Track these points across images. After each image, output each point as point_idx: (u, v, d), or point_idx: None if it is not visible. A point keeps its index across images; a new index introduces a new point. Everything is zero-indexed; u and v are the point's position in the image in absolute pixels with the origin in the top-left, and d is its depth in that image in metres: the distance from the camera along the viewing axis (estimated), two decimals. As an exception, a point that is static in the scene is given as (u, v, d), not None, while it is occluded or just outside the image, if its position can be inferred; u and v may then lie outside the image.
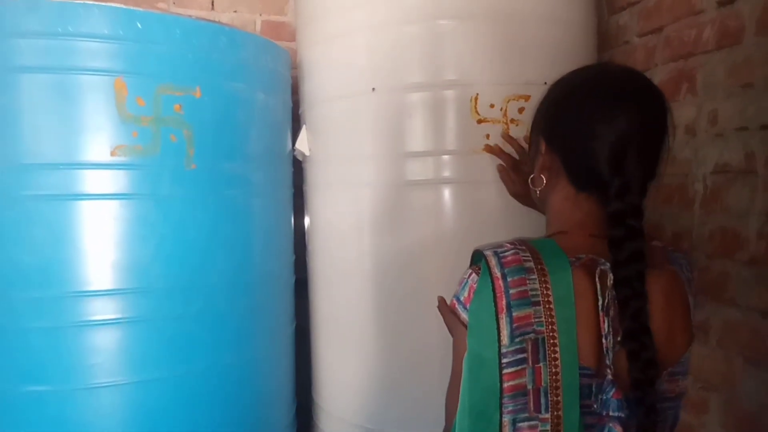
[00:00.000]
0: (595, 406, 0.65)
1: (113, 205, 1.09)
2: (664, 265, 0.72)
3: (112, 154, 1.07)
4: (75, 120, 1.06)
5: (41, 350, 1.09)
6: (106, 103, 1.06)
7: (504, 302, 0.64)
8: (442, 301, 1.01)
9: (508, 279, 0.65)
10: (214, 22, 1.78)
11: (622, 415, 0.64)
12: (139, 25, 1.07)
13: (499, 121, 1.29)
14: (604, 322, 0.65)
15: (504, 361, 0.63)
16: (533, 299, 0.64)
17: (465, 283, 0.72)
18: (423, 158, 1.33)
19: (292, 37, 1.93)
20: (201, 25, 1.17)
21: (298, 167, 1.59)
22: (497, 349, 0.64)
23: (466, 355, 0.67)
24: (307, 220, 1.63)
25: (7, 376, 1.07)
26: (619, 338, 0.66)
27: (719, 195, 1.25)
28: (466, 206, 1.32)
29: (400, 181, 1.35)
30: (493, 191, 1.30)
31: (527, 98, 1.29)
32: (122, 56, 1.07)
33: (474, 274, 0.70)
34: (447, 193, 1.33)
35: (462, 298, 0.71)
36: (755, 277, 1.15)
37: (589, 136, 0.70)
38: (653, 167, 0.71)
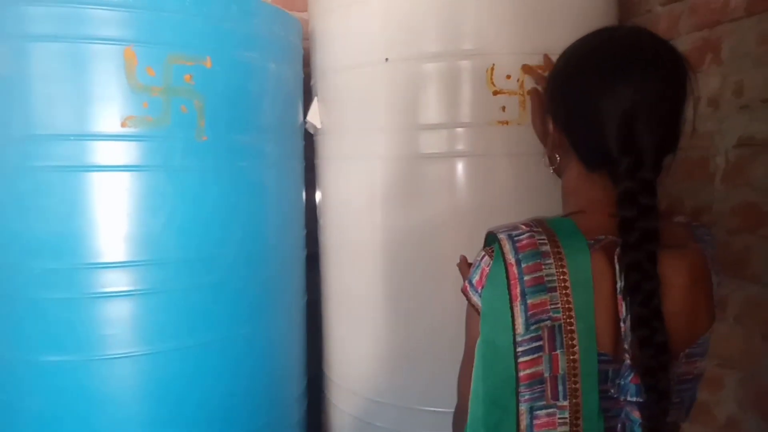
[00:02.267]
0: (612, 390, 0.63)
1: (124, 176, 1.08)
2: (687, 243, 0.69)
3: (123, 125, 1.06)
4: (85, 90, 1.04)
5: (56, 321, 1.09)
6: (116, 72, 1.04)
7: (518, 290, 0.62)
8: (463, 260, 0.98)
9: (523, 265, 0.62)
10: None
11: (641, 400, 0.62)
12: (148, -8, 1.04)
13: (515, 93, 1.26)
14: (622, 305, 0.62)
15: (519, 349, 0.61)
16: (549, 285, 0.62)
17: (477, 266, 0.69)
18: (437, 131, 1.30)
19: (305, 7, 1.89)
20: (211, -8, 1.14)
21: (308, 140, 1.57)
22: (512, 338, 0.62)
23: (478, 342, 0.65)
24: (318, 194, 1.62)
25: (22, 345, 1.09)
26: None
27: (743, 169, 1.21)
28: (480, 180, 1.30)
29: (413, 154, 1.33)
30: (507, 165, 1.28)
31: (544, 69, 1.25)
32: (132, 25, 1.05)
33: (487, 257, 0.67)
34: (461, 167, 1.30)
35: (474, 281, 0.68)
36: (779, 254, 1.12)
37: (592, 111, 0.65)
38: (669, 140, 0.66)
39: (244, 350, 1.26)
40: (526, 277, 0.62)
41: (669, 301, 0.62)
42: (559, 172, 0.76)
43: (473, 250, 1.24)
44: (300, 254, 1.50)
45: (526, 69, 1.22)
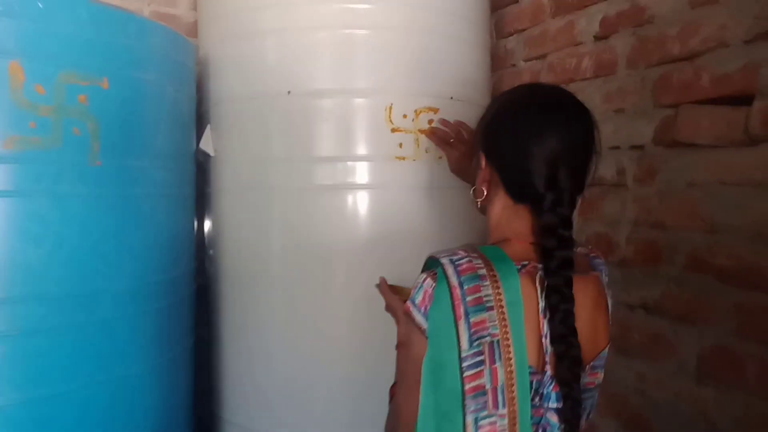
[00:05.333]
0: (536, 399, 0.71)
1: (3, 201, 0.96)
2: (588, 271, 0.81)
3: (5, 145, 0.95)
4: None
5: None
6: (-2, 88, 0.94)
7: (462, 309, 0.68)
8: (383, 281, 1.04)
9: (465, 287, 0.69)
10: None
11: (560, 406, 0.71)
12: (39, 4, 0.96)
13: (411, 131, 1.35)
14: (543, 323, 0.72)
15: (464, 364, 0.67)
16: (487, 305, 0.68)
17: (419, 288, 0.73)
18: (334, 163, 1.34)
19: (187, 31, 1.84)
20: (109, 9, 1.08)
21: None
22: (458, 354, 0.67)
23: (425, 359, 0.69)
24: (207, 224, 1.56)
25: None
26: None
27: (595, 205, 1.43)
28: (377, 211, 1.36)
29: (309, 186, 1.35)
30: (404, 197, 1.36)
31: (436, 111, 1.37)
32: (19, 37, 0.95)
33: (429, 279, 0.73)
34: (359, 198, 1.36)
35: (417, 302, 0.73)
36: (624, 276, 1.33)
37: (524, 154, 0.75)
38: (582, 181, 0.78)
39: (131, 390, 1.16)
40: (468, 298, 0.68)
41: (578, 320, 0.73)
42: (485, 203, 0.84)
43: (370, 277, 1.30)
44: (191, 287, 1.43)
45: (429, 132, 1.35)
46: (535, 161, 0.74)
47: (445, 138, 1.31)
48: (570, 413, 0.72)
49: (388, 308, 1.07)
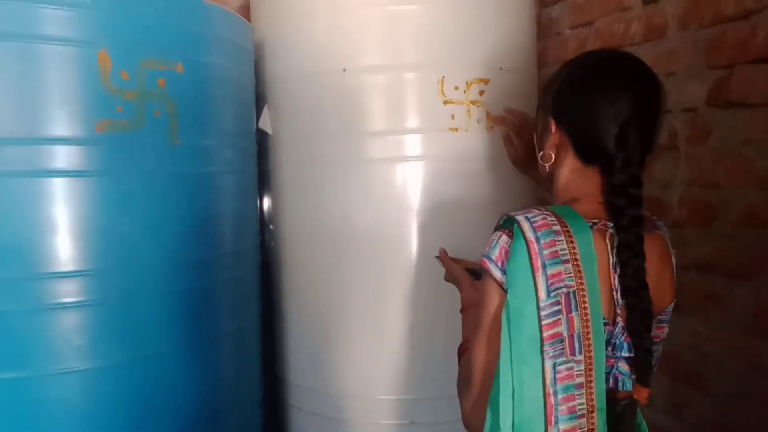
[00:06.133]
0: (608, 349, 0.76)
1: (94, 181, 1.05)
2: (653, 230, 0.84)
3: (98, 129, 1.03)
4: (54, 93, 1.00)
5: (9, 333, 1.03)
6: (88, 75, 1.01)
7: (539, 262, 0.72)
8: (443, 252, 1.09)
9: (541, 241, 0.73)
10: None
11: (631, 356, 0.76)
12: (122, -4, 1.03)
13: (463, 103, 1.39)
14: (614, 278, 0.76)
15: (542, 313, 0.72)
16: (563, 258, 0.73)
17: (495, 244, 0.78)
18: (386, 137, 1.39)
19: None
20: (180, -2, 1.15)
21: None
22: (536, 304, 0.72)
23: (505, 309, 0.74)
24: (266, 201, 1.64)
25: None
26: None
27: (646, 168, 1.44)
28: (431, 181, 1.41)
29: (364, 159, 1.40)
30: (457, 168, 1.41)
31: (487, 81, 1.41)
32: (106, 28, 1.03)
33: (505, 236, 0.77)
34: (413, 170, 1.41)
35: (494, 257, 0.78)
36: (678, 238, 1.36)
37: (595, 116, 0.79)
38: (651, 143, 0.81)
39: (218, 353, 1.26)
40: (544, 252, 0.73)
41: (647, 275, 0.76)
42: (553, 167, 0.88)
43: (425, 246, 1.36)
44: (257, 259, 1.51)
45: (497, 119, 1.34)
46: (606, 122, 0.78)
47: (512, 124, 1.31)
48: (641, 362, 0.76)
49: (450, 277, 1.13)
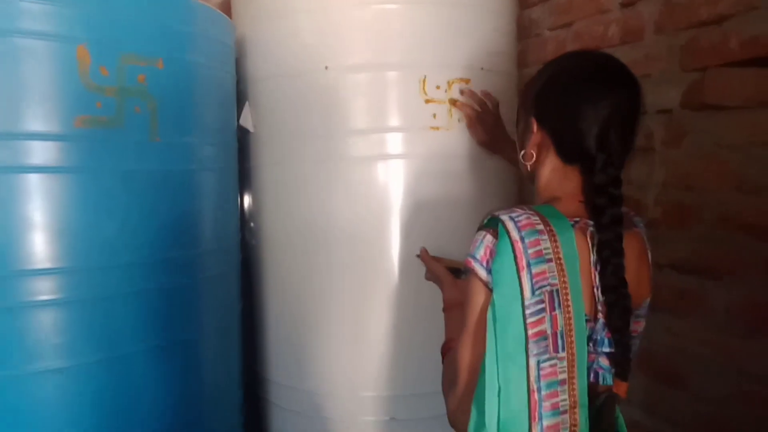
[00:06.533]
0: (589, 345, 0.78)
1: (73, 178, 1.03)
2: (631, 227, 0.86)
3: (76, 125, 1.01)
4: (31, 88, 0.98)
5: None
6: (66, 71, 1.00)
7: (524, 261, 0.73)
8: (424, 251, 1.11)
9: (526, 240, 0.74)
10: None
11: (612, 351, 0.78)
12: (101, -9, 1.02)
13: (444, 102, 1.40)
14: (595, 275, 0.78)
15: (527, 311, 0.73)
16: (546, 257, 0.74)
17: (480, 244, 0.79)
18: (369, 135, 1.40)
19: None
20: (161, -6, 1.13)
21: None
22: (521, 302, 0.73)
23: (491, 308, 0.75)
24: (247, 199, 1.63)
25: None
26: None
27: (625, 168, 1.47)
28: (413, 180, 1.42)
29: (345, 157, 1.41)
30: (439, 166, 1.42)
31: (468, 81, 1.42)
32: (85, 22, 1.01)
33: (489, 236, 0.78)
34: (394, 168, 1.41)
35: (479, 256, 0.78)
36: (654, 238, 1.38)
37: (577, 116, 0.81)
38: (631, 144, 0.83)
39: (196, 353, 1.25)
40: (529, 251, 0.74)
41: (625, 272, 0.78)
42: (534, 167, 0.90)
43: (405, 243, 1.37)
44: (238, 257, 1.50)
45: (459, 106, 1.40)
46: (588, 123, 0.80)
47: (471, 109, 1.37)
48: (621, 357, 0.79)
49: (431, 276, 1.13)
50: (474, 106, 1.39)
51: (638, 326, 0.88)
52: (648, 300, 0.89)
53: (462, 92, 1.40)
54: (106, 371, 1.10)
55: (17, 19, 0.97)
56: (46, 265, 1.03)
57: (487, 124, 1.36)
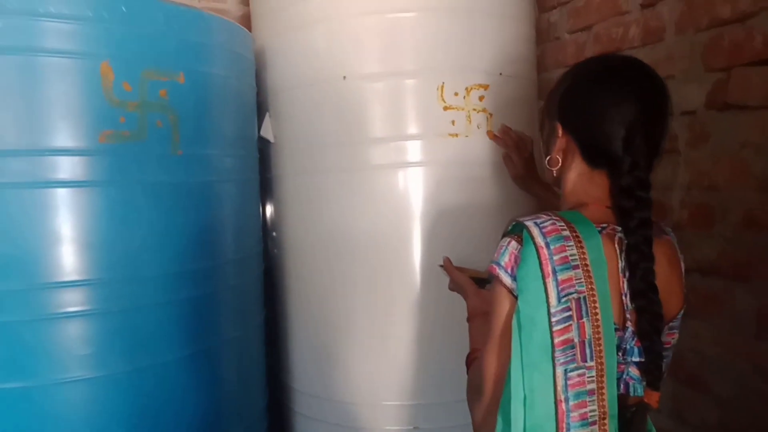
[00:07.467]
0: (618, 355, 0.75)
1: (97, 191, 1.06)
2: (661, 235, 0.84)
3: (100, 140, 1.04)
4: (56, 105, 1.01)
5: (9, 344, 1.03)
6: (91, 87, 1.02)
7: (550, 268, 0.72)
8: (447, 260, 1.09)
9: (551, 247, 0.73)
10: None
11: (642, 360, 0.76)
12: (123, 9, 1.04)
13: (462, 108, 1.40)
14: (623, 282, 0.76)
15: (553, 319, 0.71)
16: (573, 263, 0.72)
17: (504, 250, 0.78)
18: (387, 143, 1.40)
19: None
20: (181, 9, 1.16)
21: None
22: (547, 310, 0.71)
23: (516, 315, 0.74)
24: (269, 209, 1.65)
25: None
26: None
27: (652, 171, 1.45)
28: (433, 187, 1.41)
29: (365, 166, 1.41)
30: (458, 173, 1.41)
31: (486, 87, 1.41)
32: (107, 39, 1.04)
33: (514, 242, 0.77)
34: (414, 176, 1.41)
35: (503, 263, 0.77)
36: (680, 241, 1.36)
37: (603, 120, 0.80)
38: (658, 146, 0.81)
39: (220, 362, 1.27)
40: (555, 257, 0.72)
41: (656, 279, 0.76)
42: (560, 172, 0.88)
43: (427, 251, 1.36)
44: (260, 266, 1.52)
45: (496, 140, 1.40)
46: (614, 126, 0.78)
47: (511, 144, 1.35)
48: (652, 366, 0.76)
49: (454, 286, 1.12)
50: (511, 139, 1.37)
51: (671, 338, 0.85)
52: (681, 312, 0.85)
53: (501, 129, 1.39)
54: (131, 381, 1.12)
55: (43, 38, 1.00)
56: (74, 277, 1.05)
57: (523, 159, 1.34)
